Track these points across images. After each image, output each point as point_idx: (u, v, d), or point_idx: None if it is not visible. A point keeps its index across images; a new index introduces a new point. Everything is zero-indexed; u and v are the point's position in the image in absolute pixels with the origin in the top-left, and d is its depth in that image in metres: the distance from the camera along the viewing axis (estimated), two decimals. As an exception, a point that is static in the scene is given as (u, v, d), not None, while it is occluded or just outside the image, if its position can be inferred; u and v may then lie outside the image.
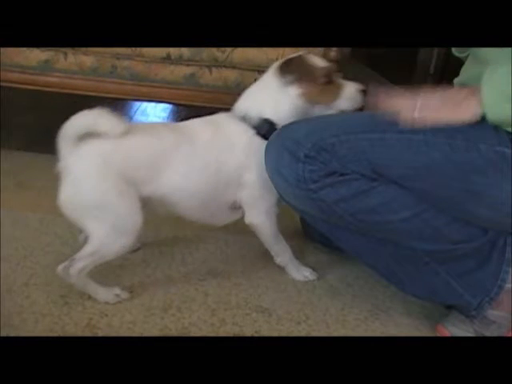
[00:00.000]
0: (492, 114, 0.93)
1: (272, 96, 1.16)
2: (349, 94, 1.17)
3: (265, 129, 1.14)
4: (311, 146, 0.99)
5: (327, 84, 1.15)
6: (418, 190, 1.00)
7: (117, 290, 1.14)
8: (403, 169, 0.98)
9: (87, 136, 1.05)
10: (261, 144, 1.12)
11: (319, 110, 1.17)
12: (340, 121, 1.05)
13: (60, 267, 1.08)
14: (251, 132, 1.15)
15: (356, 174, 0.99)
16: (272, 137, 1.07)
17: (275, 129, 1.13)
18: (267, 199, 1.18)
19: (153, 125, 1.16)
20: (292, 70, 1.14)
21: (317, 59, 1.16)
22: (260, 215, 1.19)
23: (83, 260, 1.07)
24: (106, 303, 1.12)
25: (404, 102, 0.99)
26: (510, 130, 0.97)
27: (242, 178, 1.15)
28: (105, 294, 1.13)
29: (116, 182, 1.05)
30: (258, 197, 1.17)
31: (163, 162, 1.09)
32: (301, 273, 1.27)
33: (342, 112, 1.17)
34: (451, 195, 1.00)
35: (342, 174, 0.99)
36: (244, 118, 1.16)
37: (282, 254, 1.26)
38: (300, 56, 1.16)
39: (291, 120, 1.13)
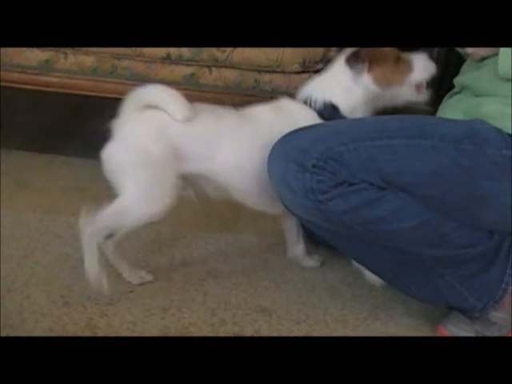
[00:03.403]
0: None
1: (344, 85, 1.15)
2: (421, 63, 1.17)
3: (328, 112, 1.13)
4: (319, 155, 0.96)
5: (397, 61, 1.16)
6: (427, 196, 0.99)
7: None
8: (412, 176, 0.97)
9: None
10: None
11: (391, 94, 1.17)
12: (346, 128, 1.03)
13: (82, 220, 1.09)
14: (314, 114, 1.14)
15: (365, 183, 0.97)
16: (275, 146, 1.03)
17: (339, 114, 1.13)
18: None
19: (215, 107, 1.17)
20: (362, 59, 1.14)
21: None
22: None
23: (105, 218, 1.08)
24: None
25: None
26: (510, 132, 0.97)
27: None
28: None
29: (164, 150, 1.06)
30: None
31: (222, 141, 1.10)
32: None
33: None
34: (459, 201, 0.99)
35: (350, 184, 0.97)
36: (306, 102, 1.15)
37: None
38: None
39: (361, 109, 1.15)
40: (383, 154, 0.97)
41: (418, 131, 0.99)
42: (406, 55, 1.18)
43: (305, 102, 1.16)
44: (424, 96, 1.19)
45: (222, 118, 1.13)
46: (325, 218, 1.00)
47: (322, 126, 1.10)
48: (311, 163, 0.96)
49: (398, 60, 1.16)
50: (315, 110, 1.15)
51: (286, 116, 1.15)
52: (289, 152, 1.00)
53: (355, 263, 1.21)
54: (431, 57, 1.19)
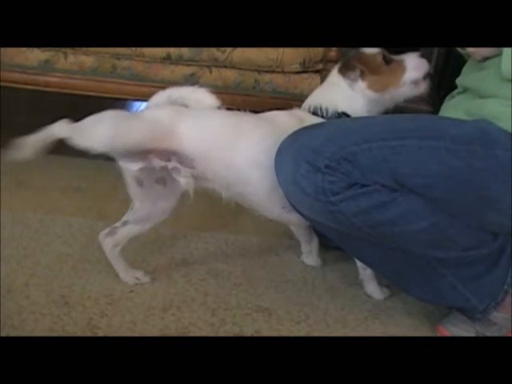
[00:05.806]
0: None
1: (343, 94, 1.16)
2: (413, 62, 1.17)
3: None
4: (331, 155, 0.94)
5: (388, 65, 1.16)
6: (437, 198, 0.98)
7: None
8: (425, 178, 0.96)
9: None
10: None
11: (391, 95, 1.17)
12: (357, 127, 1.02)
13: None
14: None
15: (377, 185, 0.96)
16: (285, 143, 1.01)
17: None
18: None
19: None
20: (353, 67, 1.15)
21: (367, 49, 1.17)
22: None
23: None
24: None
25: None
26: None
27: None
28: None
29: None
30: None
31: (241, 137, 1.09)
32: None
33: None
34: (469, 202, 0.99)
35: (363, 186, 0.96)
36: (315, 112, 1.16)
37: None
38: (355, 53, 1.17)
39: (368, 113, 1.16)
40: (396, 154, 0.95)
41: (430, 132, 0.98)
42: (397, 57, 1.18)
43: (314, 113, 1.16)
44: (423, 87, 1.18)
45: (242, 117, 1.13)
46: (334, 219, 0.99)
47: (332, 124, 1.07)
48: (324, 163, 0.94)
49: (389, 63, 1.16)
50: (326, 119, 1.15)
51: (300, 123, 1.13)
52: (300, 151, 0.97)
53: (362, 275, 1.23)
54: (423, 54, 1.19)
